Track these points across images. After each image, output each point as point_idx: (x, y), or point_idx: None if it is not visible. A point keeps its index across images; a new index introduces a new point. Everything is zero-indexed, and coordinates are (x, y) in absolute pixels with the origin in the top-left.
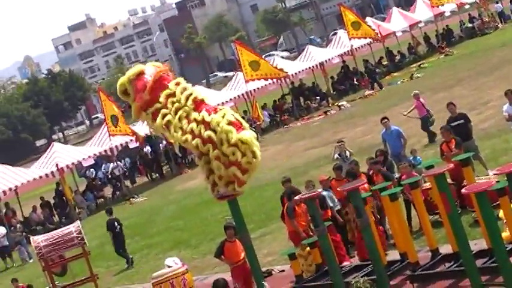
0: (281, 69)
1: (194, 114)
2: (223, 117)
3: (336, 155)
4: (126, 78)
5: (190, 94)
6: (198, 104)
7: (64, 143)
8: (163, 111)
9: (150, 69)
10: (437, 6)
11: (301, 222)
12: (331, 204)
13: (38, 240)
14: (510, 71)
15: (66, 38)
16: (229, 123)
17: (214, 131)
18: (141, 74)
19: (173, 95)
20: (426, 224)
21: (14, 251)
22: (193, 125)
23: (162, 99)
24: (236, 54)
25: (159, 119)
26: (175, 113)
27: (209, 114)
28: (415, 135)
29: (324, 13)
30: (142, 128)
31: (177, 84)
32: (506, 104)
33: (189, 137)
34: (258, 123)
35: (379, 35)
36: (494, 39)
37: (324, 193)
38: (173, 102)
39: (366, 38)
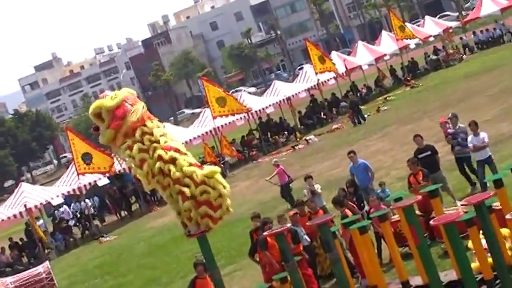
0: (245, 106)
1: (161, 152)
2: (184, 160)
3: (304, 190)
4: (107, 104)
5: (164, 134)
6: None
7: (32, 183)
8: (140, 145)
9: (132, 98)
10: (402, 40)
11: (275, 253)
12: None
13: (7, 281)
14: (475, 102)
15: (33, 78)
16: (190, 164)
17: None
18: (123, 101)
19: (151, 133)
20: (396, 256)
21: None
22: (162, 164)
23: (138, 135)
24: (203, 91)
25: (137, 154)
26: (153, 152)
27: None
28: (383, 168)
29: (290, 48)
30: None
31: (151, 119)
32: (471, 135)
33: (159, 177)
34: (227, 159)
35: (344, 69)
36: (459, 71)
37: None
38: (150, 141)
39: (330, 72)
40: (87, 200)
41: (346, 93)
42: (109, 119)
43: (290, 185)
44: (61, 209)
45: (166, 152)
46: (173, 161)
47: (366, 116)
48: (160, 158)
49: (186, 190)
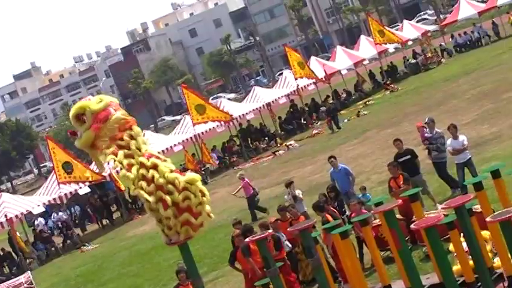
0: (226, 113)
1: (143, 159)
2: (165, 166)
3: (286, 196)
4: (92, 107)
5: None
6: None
7: (13, 193)
8: (126, 151)
9: (115, 104)
10: (381, 44)
11: (257, 260)
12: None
13: None
14: (454, 105)
15: (12, 87)
16: (171, 171)
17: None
18: (108, 105)
19: (135, 138)
20: (378, 261)
21: None
22: (145, 170)
23: (126, 137)
24: (183, 98)
25: (123, 159)
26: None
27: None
28: (363, 172)
29: (270, 54)
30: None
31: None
32: (450, 139)
33: (143, 183)
34: (208, 166)
35: (324, 74)
36: (438, 74)
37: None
38: (137, 147)
39: (309, 78)
40: (67, 210)
41: (325, 98)
42: (91, 121)
43: (256, 197)
44: (39, 219)
45: (148, 159)
46: (155, 167)
47: (345, 120)
48: (142, 164)
49: (167, 198)
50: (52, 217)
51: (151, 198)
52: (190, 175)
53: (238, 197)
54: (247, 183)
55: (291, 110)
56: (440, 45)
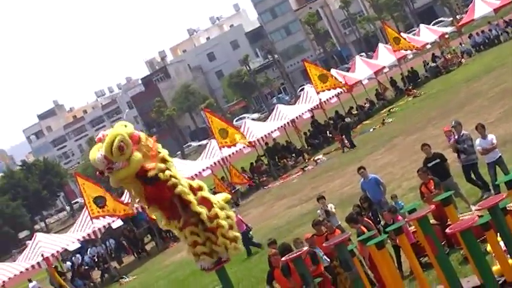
0: (245, 138)
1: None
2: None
3: (319, 211)
4: (122, 132)
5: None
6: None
7: (47, 232)
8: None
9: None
10: (399, 51)
11: (297, 278)
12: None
13: None
14: (479, 105)
15: (37, 127)
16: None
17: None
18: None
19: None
20: (416, 268)
21: None
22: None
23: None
24: (207, 122)
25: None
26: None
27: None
28: (394, 180)
29: (289, 70)
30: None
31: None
32: (479, 138)
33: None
34: (238, 188)
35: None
36: (459, 75)
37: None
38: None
39: (334, 88)
40: (102, 244)
41: (349, 109)
42: (131, 146)
43: (250, 233)
44: (76, 255)
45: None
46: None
47: (370, 130)
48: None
49: (224, 223)
50: (88, 252)
51: (205, 211)
52: (222, 195)
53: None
54: (240, 220)
55: (313, 125)
56: (460, 44)
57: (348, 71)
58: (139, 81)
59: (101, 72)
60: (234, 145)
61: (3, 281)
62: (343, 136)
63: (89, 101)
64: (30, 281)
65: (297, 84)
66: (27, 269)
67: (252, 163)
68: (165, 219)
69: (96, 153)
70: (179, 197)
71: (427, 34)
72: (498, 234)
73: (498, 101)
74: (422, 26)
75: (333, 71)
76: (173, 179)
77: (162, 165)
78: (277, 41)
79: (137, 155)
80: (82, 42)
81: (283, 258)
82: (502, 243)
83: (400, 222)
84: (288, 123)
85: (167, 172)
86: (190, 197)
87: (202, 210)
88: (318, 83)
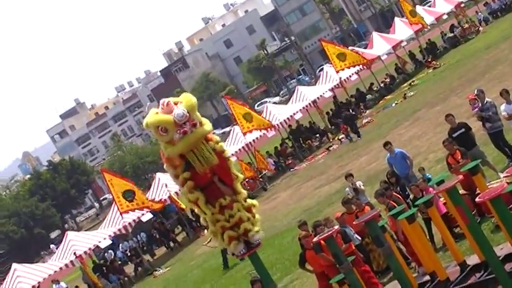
0: (268, 121)
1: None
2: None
3: (347, 189)
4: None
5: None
6: None
7: (77, 230)
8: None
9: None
10: (416, 24)
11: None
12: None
13: None
14: (500, 71)
15: (60, 127)
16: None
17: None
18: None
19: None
20: (448, 239)
21: None
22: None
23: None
24: (229, 109)
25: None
26: None
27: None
28: (420, 153)
29: (307, 51)
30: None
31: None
32: (504, 104)
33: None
34: (265, 172)
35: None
36: (478, 44)
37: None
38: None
39: (354, 66)
40: (134, 238)
41: (370, 85)
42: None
43: None
44: (109, 251)
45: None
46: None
47: (393, 104)
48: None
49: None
50: (120, 247)
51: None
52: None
53: (211, 248)
54: None
55: (336, 104)
56: (476, 12)
57: (366, 47)
58: (158, 74)
59: (119, 67)
60: (261, 129)
61: (38, 282)
62: (348, 126)
63: (110, 97)
64: (57, 282)
65: (315, 64)
66: (60, 268)
67: (276, 147)
68: (203, 204)
69: (175, 109)
70: (219, 177)
71: (442, 4)
72: None
73: None
74: None
75: (351, 49)
76: (227, 151)
77: (217, 137)
78: (293, 22)
79: (206, 120)
80: (99, 39)
81: (315, 239)
82: None
83: (429, 194)
84: (309, 104)
85: (221, 144)
86: (237, 172)
87: (242, 189)
88: (337, 61)
